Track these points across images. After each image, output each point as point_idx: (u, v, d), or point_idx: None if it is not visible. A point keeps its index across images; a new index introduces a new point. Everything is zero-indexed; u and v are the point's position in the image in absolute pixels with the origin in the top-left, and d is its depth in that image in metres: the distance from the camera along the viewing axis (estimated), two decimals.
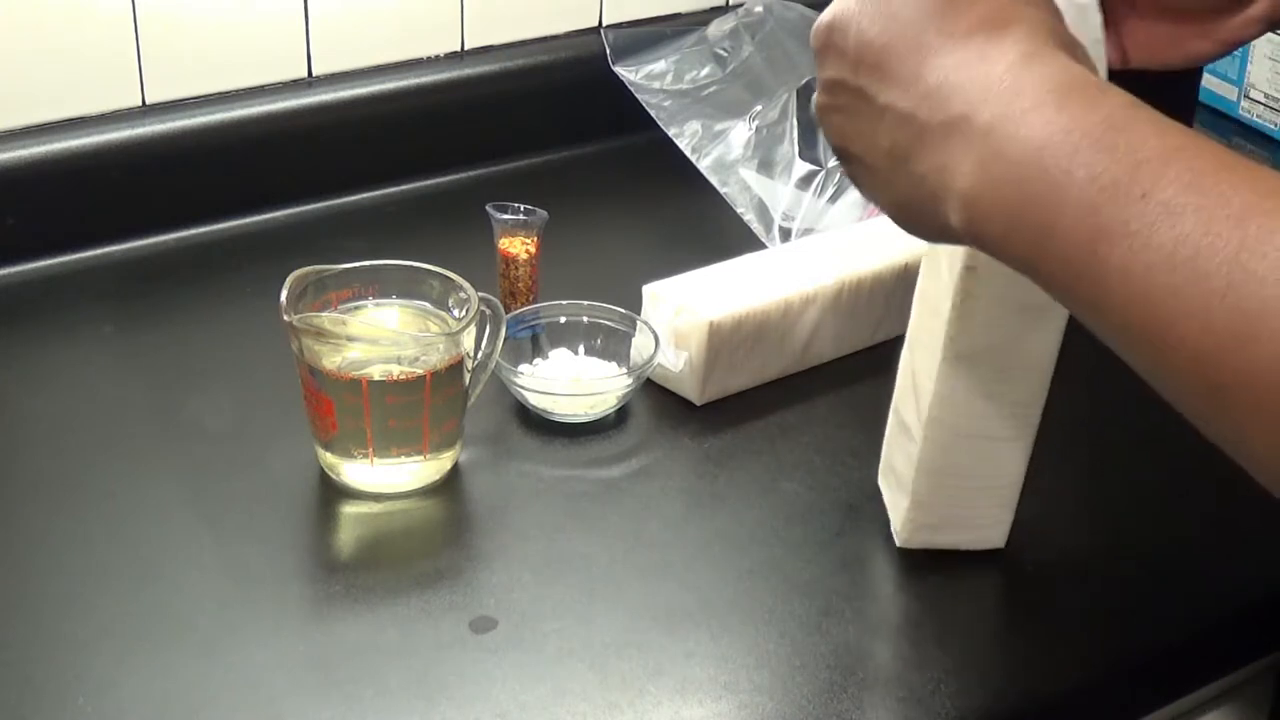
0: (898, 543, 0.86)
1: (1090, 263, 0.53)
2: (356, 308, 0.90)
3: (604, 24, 1.31)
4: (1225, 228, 0.50)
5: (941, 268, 0.79)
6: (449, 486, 0.91)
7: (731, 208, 1.18)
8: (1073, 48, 0.60)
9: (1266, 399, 0.50)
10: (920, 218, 0.62)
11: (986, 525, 0.86)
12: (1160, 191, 0.52)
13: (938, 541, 0.86)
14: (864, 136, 0.63)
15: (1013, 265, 0.58)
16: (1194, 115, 1.42)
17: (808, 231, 1.14)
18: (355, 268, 0.90)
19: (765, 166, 1.19)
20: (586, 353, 1.00)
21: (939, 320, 0.79)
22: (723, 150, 1.21)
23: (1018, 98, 0.56)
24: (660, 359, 0.97)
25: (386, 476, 0.88)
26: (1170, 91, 0.69)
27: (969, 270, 0.76)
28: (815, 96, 0.67)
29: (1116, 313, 0.54)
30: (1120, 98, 0.56)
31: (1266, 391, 0.50)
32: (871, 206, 1.14)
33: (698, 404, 0.98)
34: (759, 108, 1.22)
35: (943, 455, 0.83)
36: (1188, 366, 0.52)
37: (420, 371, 0.86)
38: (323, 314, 0.87)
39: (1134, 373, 0.55)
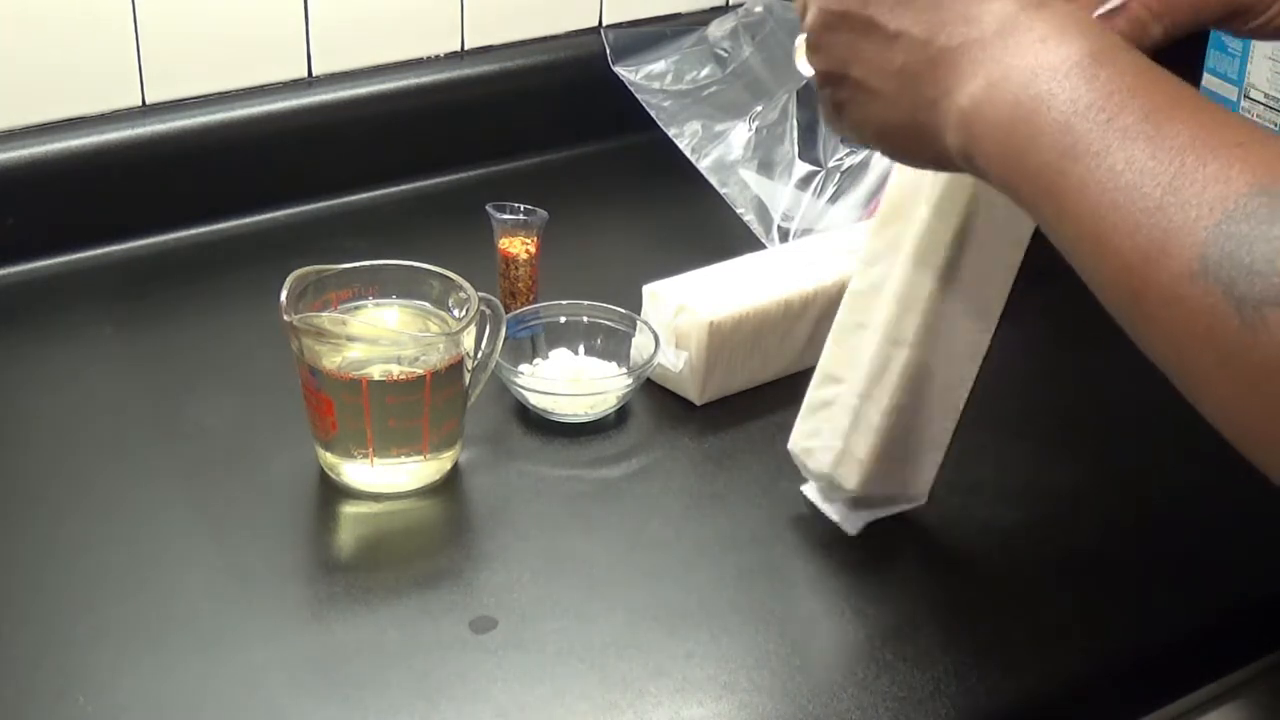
0: (844, 505, 0.86)
1: (1057, 179, 0.60)
2: (356, 308, 0.90)
3: (604, 24, 1.31)
4: (1167, 155, 0.57)
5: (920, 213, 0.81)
6: (449, 486, 0.91)
7: (731, 208, 1.18)
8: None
9: (1169, 310, 0.56)
10: (916, 141, 0.68)
11: (919, 485, 0.87)
12: (1122, 118, 0.59)
13: (875, 501, 0.86)
14: (870, 61, 0.68)
15: (995, 184, 0.64)
16: None
17: (807, 232, 1.14)
18: (355, 268, 0.90)
19: (765, 167, 1.19)
20: (586, 353, 1.00)
21: (928, 268, 0.80)
22: (723, 150, 1.21)
23: (1027, 31, 0.63)
24: (660, 359, 0.97)
25: (386, 476, 0.88)
26: None
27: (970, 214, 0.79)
28: (808, 23, 0.71)
29: (1070, 223, 0.60)
30: (1116, 39, 0.63)
31: (1169, 304, 0.56)
32: (871, 206, 1.14)
33: (698, 404, 0.98)
34: (759, 108, 1.22)
35: (913, 403, 0.83)
36: (1116, 276, 0.59)
37: (420, 371, 0.86)
38: (323, 314, 0.87)
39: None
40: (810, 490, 0.88)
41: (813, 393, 0.86)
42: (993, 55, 0.63)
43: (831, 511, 0.87)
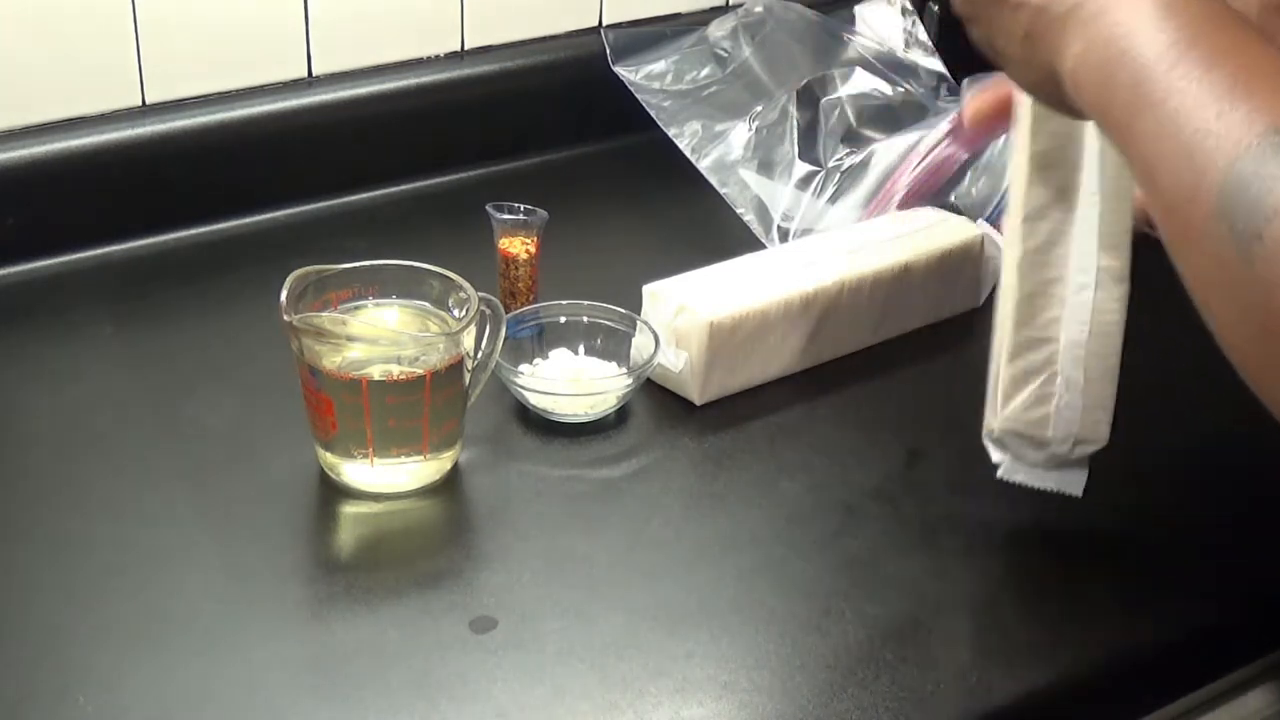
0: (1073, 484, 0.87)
1: (1129, 130, 0.64)
2: (356, 308, 0.90)
3: (604, 24, 1.31)
4: (1210, 100, 0.60)
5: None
6: (449, 486, 0.91)
7: (731, 208, 1.18)
8: None
9: (1197, 250, 0.61)
10: (1048, 91, 0.73)
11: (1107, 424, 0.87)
12: (1182, 66, 0.62)
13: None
14: (1004, 32, 0.74)
15: (1102, 130, 0.69)
16: None
17: (807, 232, 1.14)
18: (355, 268, 0.90)
19: (765, 167, 1.19)
20: (586, 353, 1.00)
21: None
22: (723, 150, 1.21)
23: None
24: (660, 359, 0.97)
25: (386, 476, 0.88)
26: None
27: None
28: (958, 7, 0.78)
29: (1139, 172, 0.64)
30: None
31: (1197, 244, 0.60)
32: (871, 206, 1.14)
33: (698, 404, 0.98)
34: (759, 108, 1.22)
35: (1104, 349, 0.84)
36: (1164, 215, 0.63)
37: (420, 371, 0.86)
38: (323, 314, 0.87)
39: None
40: (1016, 471, 0.87)
41: (1011, 367, 0.85)
42: (1091, 14, 0.67)
43: (1052, 481, 0.87)
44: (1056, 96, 0.72)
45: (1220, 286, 0.60)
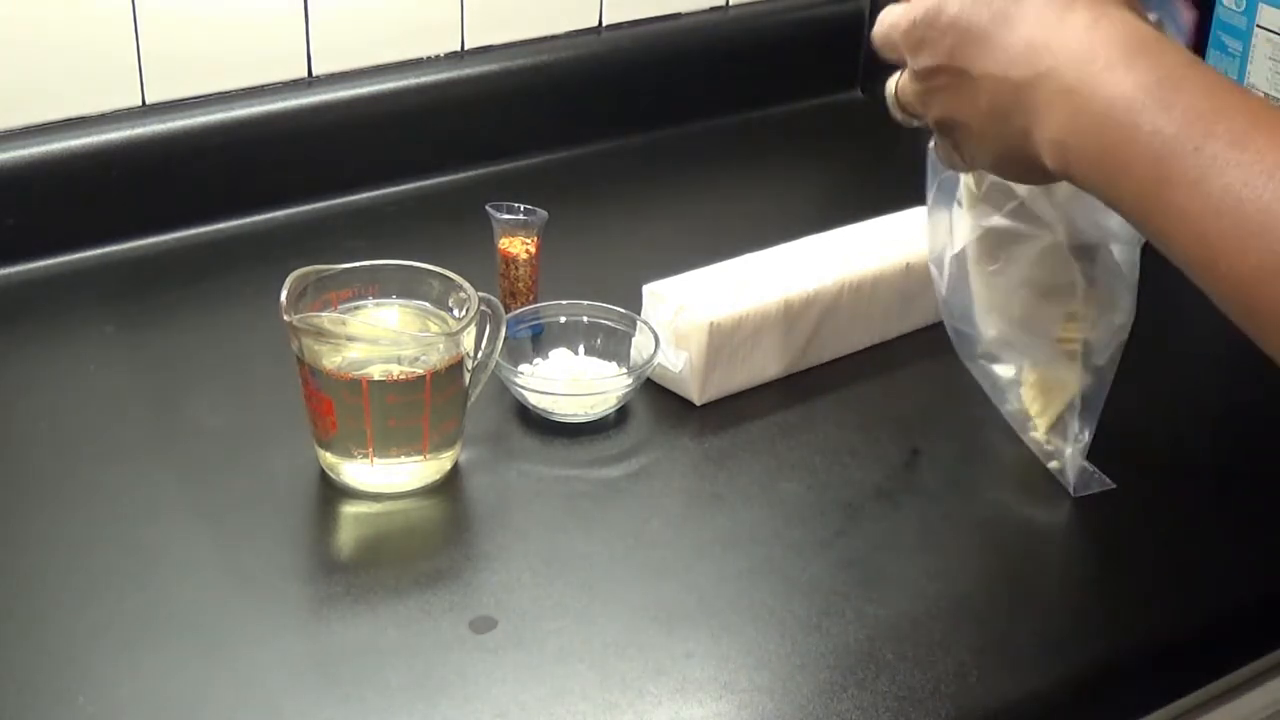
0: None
1: (1156, 203, 0.64)
2: (356, 308, 0.90)
3: (604, 24, 1.31)
4: (1260, 180, 0.61)
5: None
6: (449, 486, 0.91)
7: (731, 207, 1.18)
8: (1135, 4, 0.70)
9: None
10: (1020, 164, 0.73)
11: None
12: (1209, 146, 0.62)
13: None
14: (966, 106, 0.74)
15: (1101, 199, 0.69)
16: None
17: None
18: (355, 268, 0.90)
19: None
20: (586, 353, 1.00)
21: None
22: None
23: (1092, 60, 0.67)
24: (660, 359, 0.97)
25: (386, 476, 0.88)
26: None
27: None
28: (908, 88, 0.77)
29: (1178, 246, 0.65)
30: (1177, 55, 0.67)
31: None
32: None
33: (698, 404, 0.98)
34: None
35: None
36: (1231, 293, 0.63)
37: (420, 371, 0.86)
38: (323, 314, 0.87)
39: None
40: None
41: None
42: (1067, 86, 0.67)
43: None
44: (1029, 166, 0.72)
45: None
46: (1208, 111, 0.63)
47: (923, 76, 0.76)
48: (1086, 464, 0.91)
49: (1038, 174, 0.72)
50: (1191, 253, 0.64)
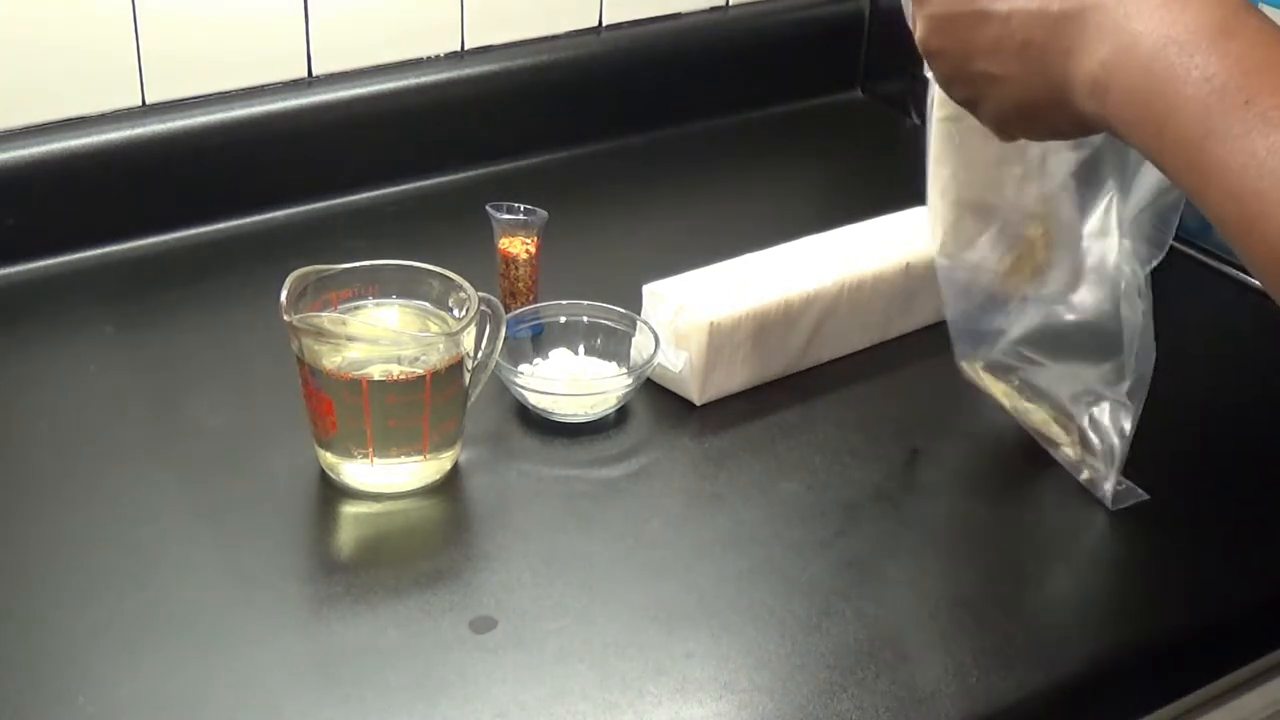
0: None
1: (1198, 156, 0.61)
2: (356, 308, 0.90)
3: (604, 24, 1.31)
4: None
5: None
6: (449, 486, 0.91)
7: (731, 207, 1.18)
8: None
9: None
10: (1056, 113, 0.69)
11: None
12: (1261, 101, 0.59)
13: None
14: (990, 50, 0.69)
15: (1137, 148, 0.65)
16: None
17: None
18: (355, 268, 0.90)
19: None
20: (586, 353, 1.00)
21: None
22: None
23: None
24: (660, 359, 0.97)
25: (386, 476, 0.88)
26: None
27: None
28: (919, 37, 0.73)
29: (1215, 203, 0.61)
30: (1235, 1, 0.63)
31: None
32: None
33: (698, 404, 0.98)
34: None
35: None
36: (1267, 256, 0.60)
37: (420, 371, 0.86)
38: (323, 314, 0.87)
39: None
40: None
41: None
42: (1116, 21, 0.63)
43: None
44: (1062, 110, 0.68)
45: None
46: (1263, 62, 0.60)
47: (935, 26, 0.72)
48: (1122, 479, 0.90)
49: (1066, 121, 0.69)
50: (1228, 210, 0.61)
